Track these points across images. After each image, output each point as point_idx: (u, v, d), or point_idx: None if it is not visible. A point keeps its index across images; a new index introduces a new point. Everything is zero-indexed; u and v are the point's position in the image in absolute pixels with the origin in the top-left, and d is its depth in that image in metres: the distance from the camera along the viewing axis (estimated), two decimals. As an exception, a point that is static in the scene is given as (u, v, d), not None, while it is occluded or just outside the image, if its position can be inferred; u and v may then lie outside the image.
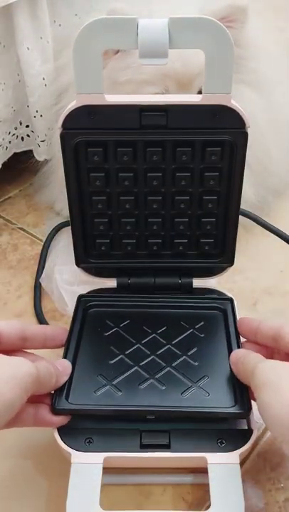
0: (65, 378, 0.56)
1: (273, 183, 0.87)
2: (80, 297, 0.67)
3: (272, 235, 0.77)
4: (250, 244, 0.83)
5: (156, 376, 0.58)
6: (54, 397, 0.54)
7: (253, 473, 0.58)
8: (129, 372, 0.58)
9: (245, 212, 0.76)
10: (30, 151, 0.91)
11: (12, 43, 0.80)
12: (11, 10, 0.77)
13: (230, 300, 0.66)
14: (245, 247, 0.82)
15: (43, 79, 0.83)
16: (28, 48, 0.80)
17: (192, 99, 0.50)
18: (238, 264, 0.67)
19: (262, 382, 0.48)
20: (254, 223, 0.78)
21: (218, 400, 0.55)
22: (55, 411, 0.53)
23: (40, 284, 0.79)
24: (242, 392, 0.55)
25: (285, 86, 0.85)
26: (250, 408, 0.54)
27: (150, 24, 0.45)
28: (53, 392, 0.55)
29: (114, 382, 0.57)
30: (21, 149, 0.91)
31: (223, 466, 0.51)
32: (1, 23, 0.79)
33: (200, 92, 0.57)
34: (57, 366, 0.55)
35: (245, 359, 0.53)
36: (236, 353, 0.57)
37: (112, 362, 0.60)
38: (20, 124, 0.89)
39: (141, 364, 0.59)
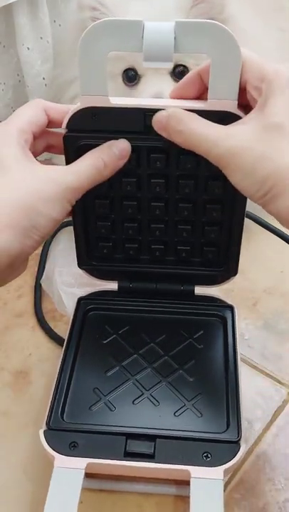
0: (122, 163, 0.51)
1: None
2: (80, 300, 0.67)
3: (272, 235, 0.77)
4: (250, 245, 0.83)
5: (151, 392, 0.58)
6: (49, 415, 0.54)
7: (253, 474, 0.59)
8: (124, 387, 0.58)
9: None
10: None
11: (12, 43, 0.80)
12: (11, 10, 0.77)
13: (231, 308, 0.66)
14: (245, 247, 0.82)
15: (43, 79, 0.83)
16: (28, 48, 0.80)
17: (197, 104, 0.49)
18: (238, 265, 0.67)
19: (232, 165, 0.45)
20: (254, 223, 0.78)
21: (211, 422, 0.55)
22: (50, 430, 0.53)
23: (40, 284, 0.79)
24: (234, 414, 0.55)
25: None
26: (241, 435, 0.53)
27: (156, 27, 0.44)
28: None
29: (109, 398, 0.57)
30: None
31: (206, 481, 0.49)
32: (1, 23, 0.79)
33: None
34: (114, 151, 0.51)
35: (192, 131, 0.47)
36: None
37: (109, 374, 0.60)
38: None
39: (137, 378, 0.59)
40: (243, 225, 0.60)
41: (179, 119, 0.47)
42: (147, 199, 0.60)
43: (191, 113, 0.47)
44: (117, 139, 0.52)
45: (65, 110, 0.51)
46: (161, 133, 0.49)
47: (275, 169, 0.43)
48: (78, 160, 0.50)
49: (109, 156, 0.50)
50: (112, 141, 0.51)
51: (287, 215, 0.44)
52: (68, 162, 0.56)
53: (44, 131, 0.52)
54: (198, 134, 0.46)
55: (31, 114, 0.50)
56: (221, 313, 0.65)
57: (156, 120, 0.49)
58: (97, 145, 0.52)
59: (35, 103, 0.51)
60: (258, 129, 0.45)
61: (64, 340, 0.64)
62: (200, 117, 0.47)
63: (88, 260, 0.64)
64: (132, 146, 0.53)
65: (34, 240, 0.46)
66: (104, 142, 0.51)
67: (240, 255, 0.63)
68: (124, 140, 0.51)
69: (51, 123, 0.52)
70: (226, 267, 0.64)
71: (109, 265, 0.65)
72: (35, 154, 0.50)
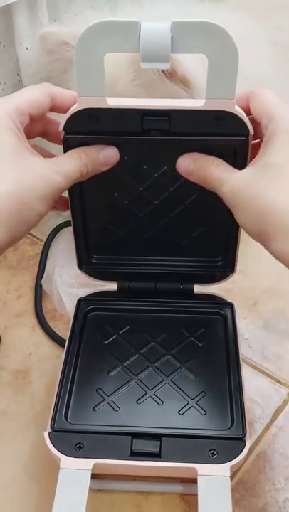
0: (104, 169, 0.53)
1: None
2: (80, 300, 0.67)
3: (272, 234, 0.77)
4: (251, 245, 0.82)
5: (155, 391, 0.58)
6: (53, 416, 0.54)
7: (253, 474, 0.59)
8: (127, 387, 0.58)
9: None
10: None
11: (12, 43, 0.80)
12: (11, 9, 0.77)
13: (231, 305, 0.66)
14: (246, 247, 0.82)
15: (40, 78, 0.83)
16: (26, 48, 0.80)
17: (195, 103, 0.49)
18: (238, 264, 0.66)
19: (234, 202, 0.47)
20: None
21: (215, 419, 0.55)
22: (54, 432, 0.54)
23: (40, 284, 0.79)
24: (238, 411, 0.55)
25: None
26: (246, 431, 0.53)
27: (152, 27, 0.44)
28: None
29: (112, 398, 0.57)
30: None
31: (213, 478, 0.50)
32: (1, 22, 0.79)
33: None
34: (100, 158, 0.52)
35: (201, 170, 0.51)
36: (187, 164, 0.52)
37: (112, 374, 0.60)
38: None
39: (140, 377, 0.59)
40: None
41: (203, 167, 0.50)
42: (146, 197, 0.59)
43: (211, 159, 0.50)
44: (115, 140, 0.52)
45: (71, 96, 0.50)
46: (185, 176, 0.52)
47: (267, 208, 0.44)
48: (67, 160, 0.50)
49: (94, 163, 0.51)
50: (100, 147, 0.52)
51: (281, 257, 0.44)
52: None
53: (42, 116, 0.51)
54: (214, 177, 0.49)
55: (33, 95, 0.49)
56: (221, 310, 0.66)
57: (182, 167, 0.52)
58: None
59: (42, 86, 0.51)
60: (256, 168, 0.46)
61: (64, 340, 0.64)
62: (220, 162, 0.50)
63: (88, 260, 0.64)
64: (129, 146, 0.53)
65: (23, 233, 0.47)
66: (103, 143, 0.51)
67: (241, 255, 0.63)
68: (113, 148, 0.52)
69: (55, 108, 0.51)
70: (223, 264, 0.64)
71: (109, 265, 0.65)
72: (29, 137, 0.50)
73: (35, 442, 0.61)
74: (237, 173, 0.48)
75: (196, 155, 0.51)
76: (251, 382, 0.67)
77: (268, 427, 0.63)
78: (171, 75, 0.67)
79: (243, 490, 0.57)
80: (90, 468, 0.50)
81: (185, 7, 0.79)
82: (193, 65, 0.66)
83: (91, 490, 0.55)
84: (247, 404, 0.59)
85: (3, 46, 0.81)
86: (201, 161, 0.51)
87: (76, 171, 0.50)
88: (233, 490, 0.57)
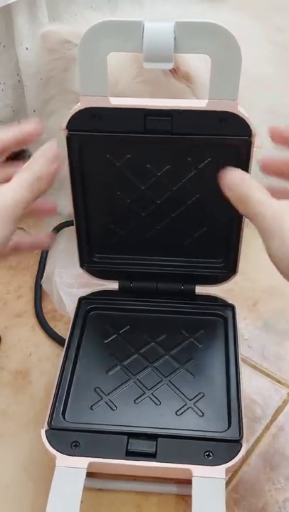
0: (55, 166, 0.47)
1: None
2: (81, 299, 0.67)
3: (272, 235, 0.77)
4: (251, 245, 0.82)
5: (153, 392, 0.58)
6: (50, 414, 0.54)
7: (252, 474, 0.59)
8: (125, 386, 0.59)
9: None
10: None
11: (12, 43, 0.80)
12: (11, 9, 0.77)
13: (232, 307, 0.66)
14: (246, 247, 0.82)
15: (41, 79, 0.83)
16: (26, 48, 0.80)
17: (198, 104, 0.49)
18: (239, 265, 0.67)
19: (265, 229, 0.42)
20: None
21: (212, 421, 0.55)
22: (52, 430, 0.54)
23: (40, 284, 0.79)
24: (236, 413, 0.55)
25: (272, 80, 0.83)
26: (242, 433, 0.53)
27: (156, 28, 0.44)
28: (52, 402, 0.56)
29: (110, 397, 0.57)
30: (20, 148, 0.91)
31: (207, 480, 0.49)
32: (1, 23, 0.78)
33: None
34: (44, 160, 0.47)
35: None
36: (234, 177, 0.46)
37: (110, 373, 0.60)
38: (19, 123, 0.89)
39: (138, 377, 0.59)
40: (242, 224, 0.60)
41: (248, 187, 0.45)
42: (148, 196, 0.60)
43: (254, 181, 0.46)
44: (118, 137, 0.52)
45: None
46: (223, 187, 0.46)
47: None
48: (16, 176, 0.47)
49: (41, 166, 0.47)
50: (40, 150, 0.48)
51: None
52: (71, 162, 0.56)
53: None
54: (257, 200, 0.44)
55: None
56: (222, 312, 0.66)
57: (229, 179, 0.46)
58: (100, 145, 0.53)
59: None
60: None
61: (64, 340, 0.64)
62: (262, 186, 0.45)
63: (90, 259, 0.64)
64: (132, 144, 0.53)
65: None
66: (106, 142, 0.51)
67: (241, 255, 0.63)
68: (50, 143, 0.48)
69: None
70: (225, 266, 0.64)
71: (110, 264, 0.65)
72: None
73: (35, 442, 0.61)
74: (277, 200, 0.44)
75: (243, 172, 0.46)
76: (251, 383, 0.67)
77: (268, 427, 0.63)
78: (174, 71, 0.67)
79: (242, 490, 0.57)
80: (86, 466, 0.50)
81: (185, 7, 0.79)
82: (196, 60, 0.66)
83: (91, 489, 0.55)
84: (247, 404, 0.59)
85: (3, 46, 0.81)
86: (247, 179, 0.46)
87: (27, 181, 0.46)
88: (233, 490, 0.57)
